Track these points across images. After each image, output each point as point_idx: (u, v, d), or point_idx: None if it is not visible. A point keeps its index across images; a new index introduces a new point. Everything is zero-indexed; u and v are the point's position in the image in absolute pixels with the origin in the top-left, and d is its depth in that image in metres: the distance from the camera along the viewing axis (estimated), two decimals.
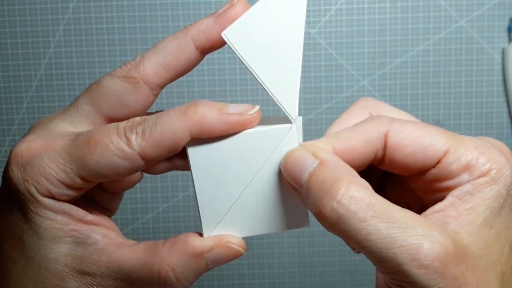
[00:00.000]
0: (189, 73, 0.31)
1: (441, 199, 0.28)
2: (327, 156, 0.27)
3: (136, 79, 0.29)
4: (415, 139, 0.27)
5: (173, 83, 0.32)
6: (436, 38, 0.61)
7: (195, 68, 0.31)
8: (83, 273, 0.29)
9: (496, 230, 0.26)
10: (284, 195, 0.29)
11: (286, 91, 0.28)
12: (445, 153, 0.27)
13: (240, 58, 0.28)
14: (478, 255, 0.26)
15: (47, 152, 0.28)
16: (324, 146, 0.28)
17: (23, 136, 0.30)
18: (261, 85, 0.29)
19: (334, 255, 0.64)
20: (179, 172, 0.63)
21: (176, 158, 0.30)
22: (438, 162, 0.27)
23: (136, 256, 0.29)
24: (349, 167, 0.27)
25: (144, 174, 0.36)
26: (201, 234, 0.29)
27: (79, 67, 0.61)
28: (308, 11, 0.61)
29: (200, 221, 0.29)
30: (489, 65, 0.62)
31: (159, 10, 0.61)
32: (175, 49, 0.30)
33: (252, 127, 0.28)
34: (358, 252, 0.32)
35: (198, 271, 0.29)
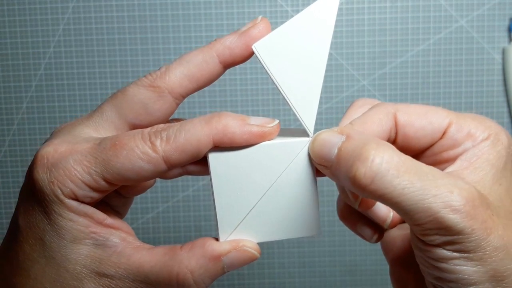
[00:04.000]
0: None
1: None
2: (352, 131, 0.29)
3: (161, 89, 0.31)
4: (421, 115, 0.31)
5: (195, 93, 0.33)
6: (436, 38, 0.61)
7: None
8: (101, 275, 0.30)
9: (505, 187, 0.29)
10: (299, 205, 0.30)
11: (307, 106, 0.30)
12: (449, 125, 0.30)
13: (267, 70, 0.30)
14: (497, 206, 0.28)
15: (73, 155, 0.29)
16: (341, 129, 0.30)
17: (46, 141, 0.31)
18: (284, 98, 0.30)
19: (334, 255, 0.63)
20: None
21: (190, 163, 0.31)
22: (444, 133, 0.30)
23: (155, 259, 0.30)
24: (373, 135, 0.29)
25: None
26: (216, 239, 0.30)
27: (79, 67, 0.61)
28: None
29: (217, 226, 0.30)
30: (489, 65, 0.62)
31: (159, 10, 0.61)
32: (200, 62, 0.31)
33: (271, 139, 0.30)
34: (377, 241, 0.35)
35: (215, 274, 0.30)
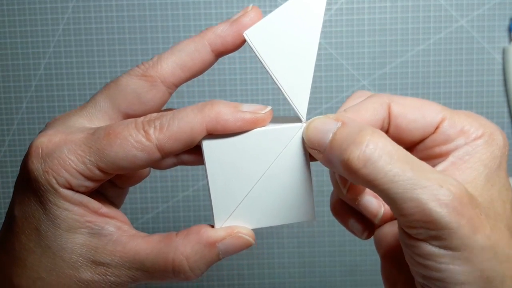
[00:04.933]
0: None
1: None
2: (347, 118, 0.29)
3: (153, 78, 0.31)
4: (415, 107, 0.31)
5: (184, 83, 0.33)
6: (436, 38, 0.61)
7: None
8: (97, 263, 0.30)
9: (497, 188, 0.29)
10: (293, 190, 0.31)
11: (299, 92, 0.30)
12: (442, 120, 0.30)
13: (259, 57, 0.30)
14: (486, 206, 0.28)
15: (67, 145, 0.29)
16: (337, 116, 0.30)
17: (41, 132, 0.31)
18: (275, 84, 0.31)
19: (334, 255, 0.63)
20: (179, 172, 0.63)
21: (184, 153, 0.31)
22: (436, 128, 0.30)
23: (150, 246, 0.30)
24: (367, 124, 0.29)
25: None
26: (212, 226, 0.31)
27: (79, 67, 0.61)
28: None
29: (212, 213, 0.31)
30: (489, 65, 0.62)
31: (159, 10, 0.61)
32: (192, 50, 0.32)
33: (264, 126, 0.30)
34: (368, 237, 0.35)
35: (210, 260, 0.30)
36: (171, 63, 0.31)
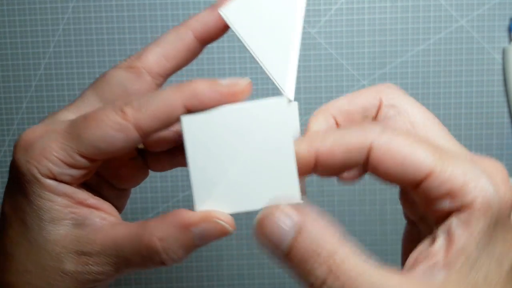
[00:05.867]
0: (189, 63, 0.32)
1: (431, 218, 0.27)
2: (305, 219, 0.26)
3: (138, 69, 0.31)
4: (398, 158, 0.26)
5: (173, 74, 0.33)
6: (436, 38, 0.61)
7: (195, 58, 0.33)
8: (79, 253, 0.29)
9: (484, 273, 0.25)
10: (275, 170, 0.28)
11: (281, 69, 0.29)
12: (427, 176, 0.25)
13: (237, 34, 0.29)
14: None
15: (48, 134, 0.29)
16: (308, 149, 0.27)
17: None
18: (257, 62, 0.29)
19: None
20: (179, 173, 0.62)
21: (180, 154, 0.31)
22: (419, 183, 0.26)
23: (129, 230, 0.29)
24: (331, 228, 0.26)
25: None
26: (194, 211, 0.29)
27: (79, 67, 0.61)
28: (308, 11, 0.61)
29: (193, 195, 0.29)
30: (489, 65, 0.62)
31: (159, 10, 0.61)
32: (175, 39, 0.32)
33: (243, 99, 0.28)
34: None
35: (186, 244, 0.29)
36: (155, 54, 0.31)
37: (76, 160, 0.29)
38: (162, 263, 0.29)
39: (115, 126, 0.28)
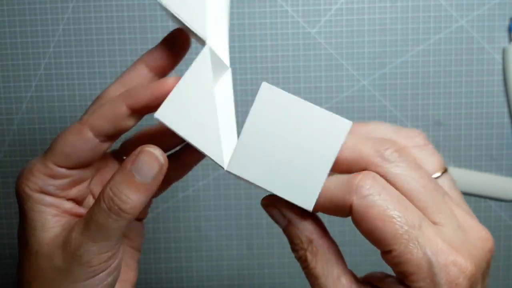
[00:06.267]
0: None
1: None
2: (317, 249, 0.32)
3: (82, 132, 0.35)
4: (369, 228, 0.28)
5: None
6: (436, 38, 0.61)
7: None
8: (65, 246, 0.32)
9: None
10: (308, 173, 0.30)
11: (195, 12, 0.32)
12: (389, 251, 0.28)
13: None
14: None
15: (36, 158, 0.34)
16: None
17: None
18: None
19: None
20: None
21: (171, 169, 0.33)
22: (387, 253, 0.28)
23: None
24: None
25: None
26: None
27: (79, 67, 0.61)
28: (308, 11, 0.61)
29: (232, 154, 0.31)
30: (489, 65, 0.62)
31: (159, 10, 0.61)
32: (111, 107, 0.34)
33: (168, 90, 0.30)
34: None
35: (131, 186, 0.30)
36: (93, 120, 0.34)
37: (55, 170, 0.33)
38: (120, 209, 0.30)
39: (74, 131, 0.32)
